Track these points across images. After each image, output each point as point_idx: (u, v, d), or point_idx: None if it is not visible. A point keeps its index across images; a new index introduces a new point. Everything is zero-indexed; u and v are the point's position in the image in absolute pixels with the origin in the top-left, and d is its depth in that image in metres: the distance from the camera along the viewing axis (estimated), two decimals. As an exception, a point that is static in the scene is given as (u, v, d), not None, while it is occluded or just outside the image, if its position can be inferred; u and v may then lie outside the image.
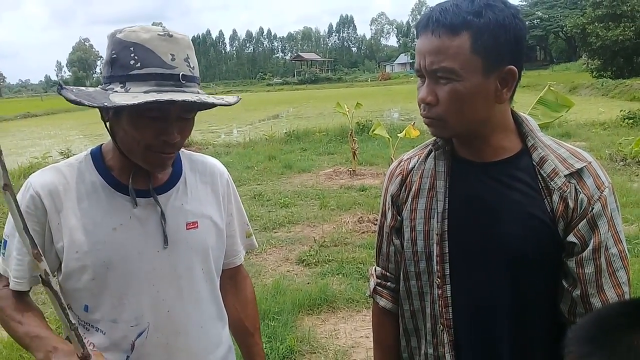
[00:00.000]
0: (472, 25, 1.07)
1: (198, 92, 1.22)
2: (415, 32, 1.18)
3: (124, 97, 1.14)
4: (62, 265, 1.28)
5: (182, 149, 1.45)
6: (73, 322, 1.05)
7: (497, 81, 1.12)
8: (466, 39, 1.08)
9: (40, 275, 0.98)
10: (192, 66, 1.22)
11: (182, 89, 1.18)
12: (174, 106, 1.17)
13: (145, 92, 1.14)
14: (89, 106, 1.18)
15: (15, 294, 1.31)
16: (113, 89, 1.18)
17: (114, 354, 1.30)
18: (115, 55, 1.19)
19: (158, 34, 1.18)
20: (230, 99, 1.30)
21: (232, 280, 1.59)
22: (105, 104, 1.14)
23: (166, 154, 1.26)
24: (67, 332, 1.06)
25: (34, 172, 1.32)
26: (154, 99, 1.12)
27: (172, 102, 1.13)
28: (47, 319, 1.35)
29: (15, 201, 0.93)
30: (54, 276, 1.32)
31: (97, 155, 1.33)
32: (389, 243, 1.39)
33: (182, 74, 1.18)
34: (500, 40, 1.09)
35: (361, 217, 6.57)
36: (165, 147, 1.23)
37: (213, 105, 1.23)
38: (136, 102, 1.11)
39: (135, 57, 1.16)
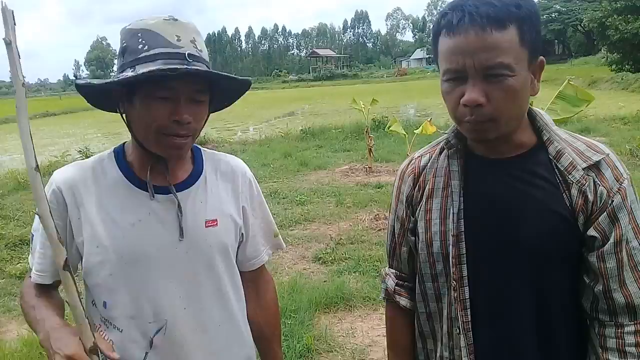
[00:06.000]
0: (516, 17, 1.04)
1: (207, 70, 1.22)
2: (437, 31, 1.11)
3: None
4: (83, 260, 1.29)
5: (204, 149, 1.45)
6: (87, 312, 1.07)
7: (532, 73, 1.10)
8: (514, 31, 1.04)
9: (65, 259, 1.01)
10: (199, 49, 1.23)
11: (188, 67, 1.18)
12: (182, 85, 1.19)
13: (151, 70, 1.15)
14: (97, 86, 1.21)
15: (38, 285, 1.32)
16: (124, 74, 1.19)
17: (133, 350, 1.30)
18: (125, 44, 1.22)
19: (164, 19, 1.22)
20: (242, 79, 1.30)
21: (253, 283, 1.53)
22: (112, 79, 1.17)
23: (179, 137, 1.24)
24: (81, 320, 1.06)
25: (53, 170, 1.33)
26: (157, 67, 1.14)
27: (176, 71, 1.13)
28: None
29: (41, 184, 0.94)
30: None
31: (119, 152, 1.36)
32: (401, 245, 1.37)
33: (189, 53, 1.20)
34: (537, 30, 1.08)
35: (377, 214, 6.55)
36: (177, 129, 1.22)
37: (219, 76, 1.23)
38: (140, 71, 1.13)
39: (143, 42, 1.19)
